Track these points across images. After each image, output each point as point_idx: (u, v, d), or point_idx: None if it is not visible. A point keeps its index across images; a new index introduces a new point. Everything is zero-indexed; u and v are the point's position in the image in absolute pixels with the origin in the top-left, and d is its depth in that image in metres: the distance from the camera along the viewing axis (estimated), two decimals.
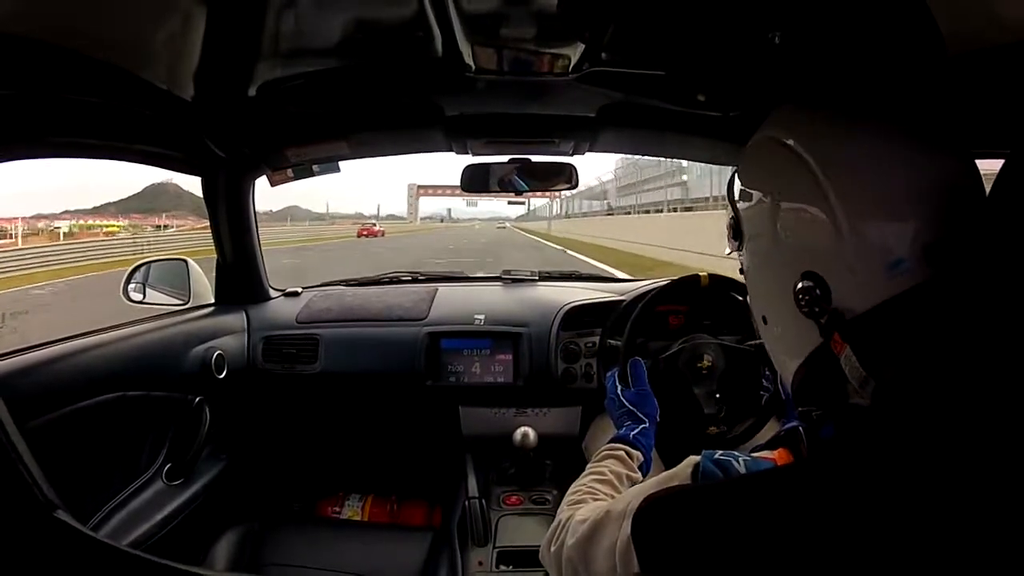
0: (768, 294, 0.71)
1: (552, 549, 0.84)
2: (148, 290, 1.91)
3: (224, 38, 1.08)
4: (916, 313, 0.56)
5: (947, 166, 0.60)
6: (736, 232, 0.75)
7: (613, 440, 1.13)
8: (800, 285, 0.61)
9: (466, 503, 1.71)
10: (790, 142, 0.63)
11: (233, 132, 1.64)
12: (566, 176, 1.84)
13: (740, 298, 1.72)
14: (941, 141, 0.61)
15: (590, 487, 0.98)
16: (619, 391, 1.25)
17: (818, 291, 0.60)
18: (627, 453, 1.08)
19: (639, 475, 1.06)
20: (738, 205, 0.74)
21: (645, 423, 1.17)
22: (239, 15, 1.02)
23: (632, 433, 1.13)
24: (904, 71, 0.88)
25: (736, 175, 0.75)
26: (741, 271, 0.78)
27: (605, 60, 1.20)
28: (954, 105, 0.80)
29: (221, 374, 1.74)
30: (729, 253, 0.80)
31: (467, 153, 1.80)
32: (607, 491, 0.97)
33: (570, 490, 0.99)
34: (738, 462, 0.69)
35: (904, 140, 0.60)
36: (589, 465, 1.07)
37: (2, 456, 0.59)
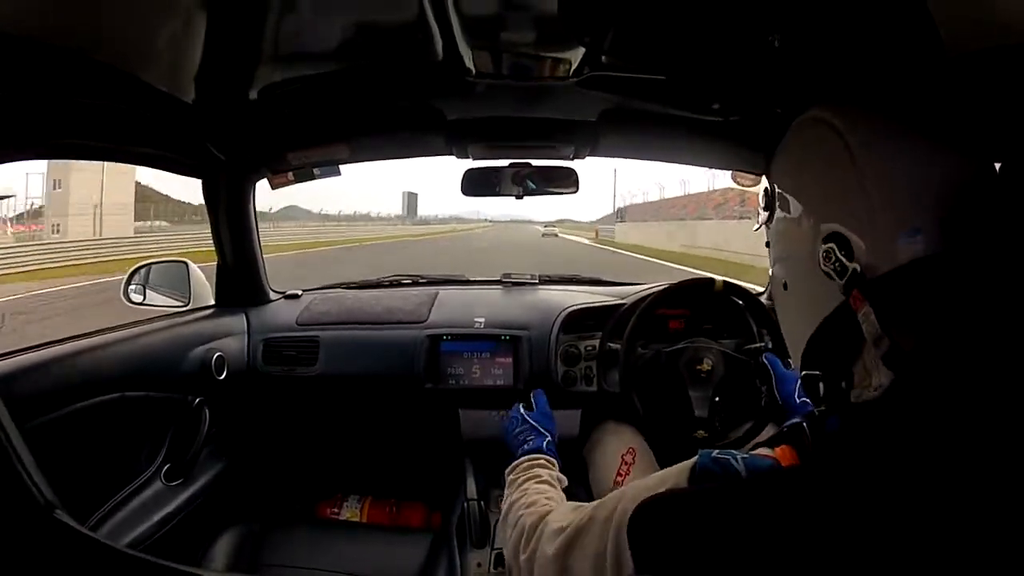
0: (793, 258, 0.73)
1: (523, 557, 0.84)
2: (148, 292, 1.91)
3: (225, 41, 1.09)
4: (933, 279, 0.58)
5: (971, 159, 0.62)
6: (769, 204, 0.78)
7: (529, 452, 1.16)
8: (825, 246, 0.63)
9: (465, 505, 1.71)
10: (832, 121, 0.66)
11: (234, 135, 1.65)
12: (568, 180, 1.85)
13: (740, 302, 1.73)
14: (960, 137, 0.63)
15: (537, 488, 1.01)
16: (522, 412, 1.30)
17: (842, 251, 0.62)
18: (548, 461, 1.13)
19: (564, 477, 1.12)
20: (774, 179, 0.77)
21: (548, 437, 1.21)
22: (240, 18, 1.02)
23: (544, 442, 1.18)
24: (907, 72, 0.88)
25: (778, 150, 0.78)
26: (767, 244, 0.81)
27: (605, 64, 1.21)
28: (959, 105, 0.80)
29: (221, 375, 1.74)
30: (758, 228, 0.84)
31: (468, 157, 1.80)
32: (555, 493, 1.01)
33: (515, 498, 1.01)
34: (737, 460, 0.69)
35: (937, 133, 0.62)
36: (518, 475, 1.10)
37: (2, 456, 0.60)
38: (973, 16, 0.69)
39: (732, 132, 1.53)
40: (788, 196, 0.74)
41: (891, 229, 0.59)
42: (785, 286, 0.75)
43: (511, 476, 1.11)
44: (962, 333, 0.55)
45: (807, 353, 0.71)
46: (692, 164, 1.89)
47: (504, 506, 1.02)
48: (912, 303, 0.59)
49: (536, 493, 0.98)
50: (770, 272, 0.82)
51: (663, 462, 0.78)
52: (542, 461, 1.12)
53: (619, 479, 1.58)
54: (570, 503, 0.90)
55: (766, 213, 0.79)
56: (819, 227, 0.65)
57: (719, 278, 1.71)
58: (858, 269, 0.61)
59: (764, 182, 0.81)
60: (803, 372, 0.73)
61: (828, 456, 0.64)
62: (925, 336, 0.58)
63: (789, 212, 0.73)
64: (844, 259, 0.61)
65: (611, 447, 1.71)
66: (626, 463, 1.60)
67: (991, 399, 0.51)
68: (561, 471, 1.13)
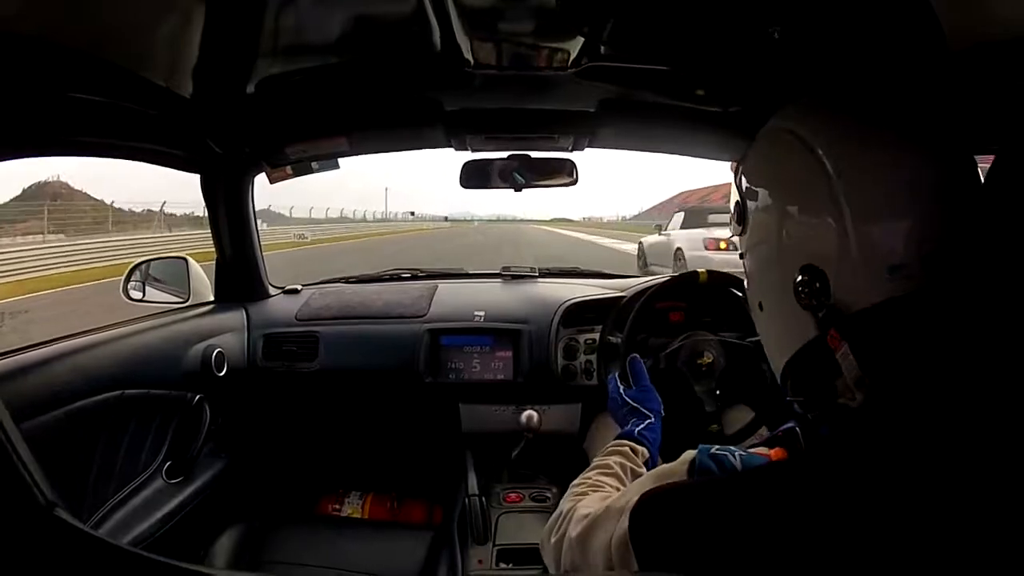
0: (767, 282, 0.72)
1: (553, 539, 0.85)
2: (148, 288, 1.91)
3: (223, 35, 1.08)
4: (913, 316, 0.58)
5: (952, 175, 0.61)
6: (741, 217, 0.76)
7: (619, 436, 1.12)
8: (800, 278, 0.63)
9: (466, 501, 1.71)
10: (806, 137, 0.64)
11: (232, 129, 1.64)
12: (566, 172, 1.84)
13: (739, 294, 1.72)
14: (949, 149, 0.62)
15: (596, 480, 0.98)
16: (621, 391, 1.24)
17: (818, 284, 0.61)
18: (632, 449, 1.08)
19: (644, 470, 1.06)
20: (744, 191, 0.75)
21: (650, 418, 1.16)
22: (237, 11, 1.01)
23: (637, 429, 1.13)
24: (906, 68, 0.88)
25: (745, 161, 0.76)
26: (741, 256, 0.79)
27: (604, 55, 1.20)
28: (958, 103, 0.80)
29: (221, 372, 1.74)
30: (731, 237, 0.81)
31: (466, 149, 1.80)
32: (613, 483, 0.97)
33: (575, 482, 0.99)
34: (734, 456, 0.70)
35: (914, 148, 0.61)
36: (595, 459, 1.07)
37: (1, 455, 0.59)
38: (976, 11, 0.69)
39: (732, 123, 1.52)
40: (759, 211, 0.72)
41: (868, 266, 0.59)
42: (760, 306, 0.75)
43: (594, 459, 1.09)
44: (933, 367, 0.56)
45: (787, 369, 0.71)
46: (691, 155, 1.87)
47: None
48: (888, 342, 0.59)
49: (591, 485, 0.96)
50: (745, 284, 0.81)
51: (674, 458, 0.78)
52: (626, 449, 1.08)
53: None
54: (601, 492, 0.90)
55: (739, 225, 0.78)
56: (793, 254, 0.65)
57: (703, 270, 1.72)
58: (835, 306, 0.60)
59: (735, 191, 0.79)
60: (789, 398, 0.73)
61: (817, 455, 0.65)
62: (898, 367, 0.58)
63: (760, 229, 0.72)
64: (820, 294, 0.61)
65: (610, 440, 1.71)
66: None
67: (960, 411, 0.52)
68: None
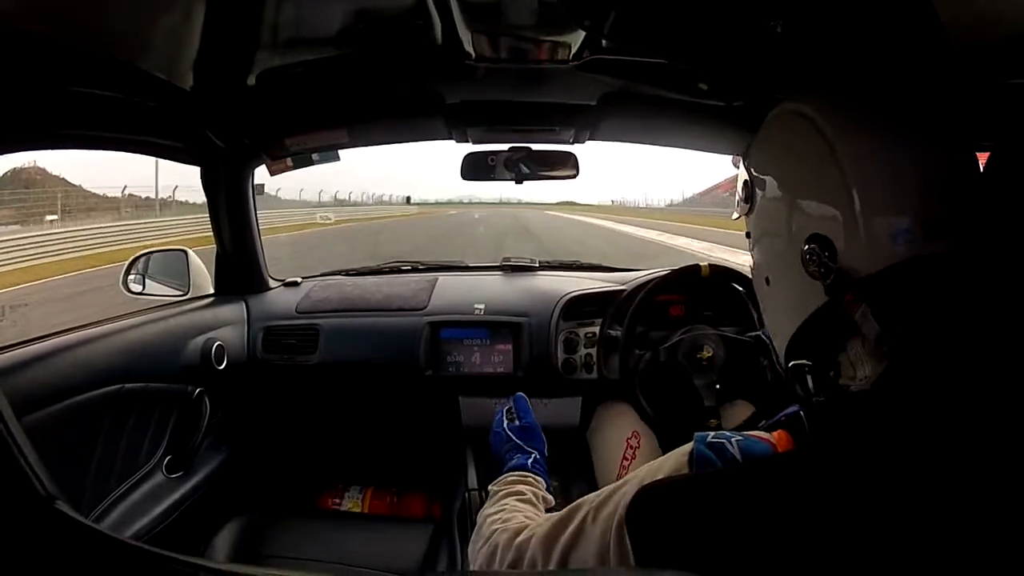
0: (775, 256, 0.74)
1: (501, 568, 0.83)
2: (147, 281, 1.90)
3: (223, 27, 1.07)
4: (922, 278, 0.60)
5: (956, 158, 0.64)
6: (748, 197, 0.79)
7: (514, 470, 1.14)
8: (807, 247, 0.65)
9: (466, 495, 1.71)
10: (816, 118, 0.66)
11: (232, 122, 1.64)
12: (568, 164, 1.84)
13: (740, 288, 1.72)
14: (951, 134, 0.64)
15: (516, 505, 0.99)
16: (505, 425, 1.26)
17: (826, 253, 0.63)
18: (533, 479, 1.10)
19: (551, 497, 1.08)
20: (753, 170, 0.78)
21: (533, 454, 1.18)
22: (238, 3, 1.01)
23: (528, 461, 1.15)
24: (907, 62, 0.88)
25: (755, 141, 0.78)
26: (748, 235, 0.82)
27: (606, 48, 1.20)
28: (957, 96, 0.80)
29: (221, 365, 1.74)
30: (737, 217, 0.84)
31: (467, 141, 1.80)
32: (532, 512, 0.98)
33: (491, 510, 1.00)
34: (731, 444, 0.69)
35: (921, 132, 0.64)
36: (500, 487, 1.09)
37: (2, 448, 0.59)
38: (976, 7, 0.69)
39: (734, 117, 1.51)
40: (768, 191, 0.74)
41: (874, 233, 0.61)
42: (767, 281, 0.77)
43: (494, 488, 1.11)
44: (952, 330, 0.57)
45: (792, 345, 0.72)
46: (693, 149, 1.87)
47: (479, 518, 1.00)
48: (907, 303, 0.61)
49: (513, 510, 0.97)
50: (751, 263, 0.83)
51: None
52: (530, 480, 1.10)
53: (625, 463, 1.57)
54: (549, 515, 0.87)
55: (746, 204, 0.80)
56: (800, 227, 0.67)
57: (704, 263, 1.72)
58: (843, 271, 0.62)
59: (743, 172, 0.81)
60: (791, 363, 0.73)
61: (824, 444, 0.64)
62: (918, 332, 0.59)
63: (769, 207, 0.75)
64: (828, 261, 0.63)
65: (615, 432, 1.71)
66: (631, 447, 1.60)
67: (983, 392, 0.53)
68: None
